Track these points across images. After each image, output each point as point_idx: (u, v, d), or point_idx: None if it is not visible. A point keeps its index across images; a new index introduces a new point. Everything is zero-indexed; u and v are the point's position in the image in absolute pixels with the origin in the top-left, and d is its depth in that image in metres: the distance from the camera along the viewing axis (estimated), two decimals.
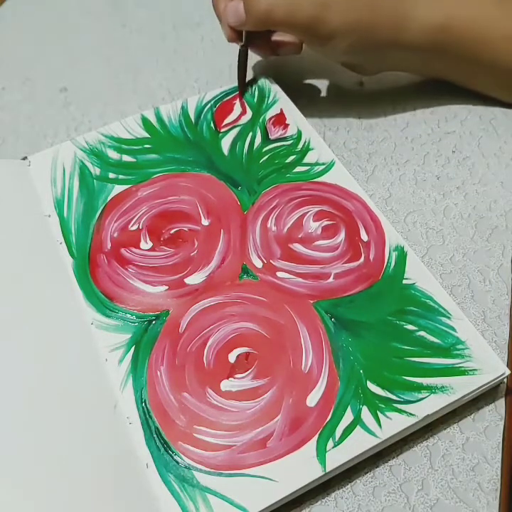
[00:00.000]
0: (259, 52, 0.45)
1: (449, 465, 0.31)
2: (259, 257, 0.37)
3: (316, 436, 0.30)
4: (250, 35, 0.42)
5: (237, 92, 0.46)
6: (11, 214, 0.39)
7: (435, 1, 0.41)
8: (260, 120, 0.44)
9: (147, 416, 0.31)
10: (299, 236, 0.38)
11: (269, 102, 0.45)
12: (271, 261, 0.37)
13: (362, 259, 0.36)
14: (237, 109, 0.45)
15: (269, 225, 0.38)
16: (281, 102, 0.45)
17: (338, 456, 0.29)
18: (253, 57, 0.46)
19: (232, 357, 0.33)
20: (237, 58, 0.44)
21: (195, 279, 0.36)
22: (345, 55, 0.42)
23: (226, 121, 0.44)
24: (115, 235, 0.38)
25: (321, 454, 0.30)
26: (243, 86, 0.45)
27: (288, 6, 0.38)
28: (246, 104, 0.45)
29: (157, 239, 0.38)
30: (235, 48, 0.44)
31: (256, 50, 0.45)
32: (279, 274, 0.36)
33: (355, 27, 0.39)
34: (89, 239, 0.38)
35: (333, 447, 0.30)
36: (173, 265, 0.37)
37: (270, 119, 0.44)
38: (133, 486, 0.29)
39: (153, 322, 0.35)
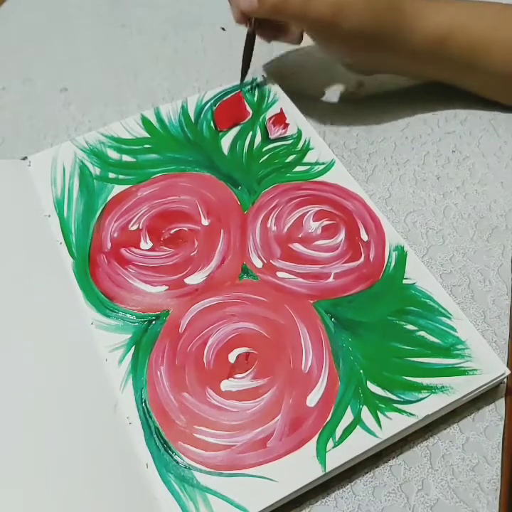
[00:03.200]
0: (261, 35, 0.45)
1: (449, 465, 0.31)
2: (259, 257, 0.37)
3: (316, 436, 0.30)
4: (259, 21, 0.42)
5: (238, 91, 0.45)
6: (11, 214, 0.39)
7: (437, 10, 0.41)
8: (260, 119, 0.44)
9: (147, 416, 0.31)
10: (299, 236, 0.38)
11: (269, 101, 0.45)
12: (271, 261, 0.37)
13: (362, 259, 0.36)
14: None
15: (269, 225, 0.38)
16: (281, 101, 0.45)
17: (338, 456, 0.29)
18: (254, 58, 0.46)
19: (232, 357, 0.33)
20: (237, 58, 0.44)
21: (195, 279, 0.36)
22: (349, 56, 0.43)
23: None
24: (115, 234, 0.38)
25: (321, 454, 0.30)
26: (246, 70, 0.45)
27: (302, 2, 0.38)
28: (246, 103, 0.45)
29: (157, 239, 0.38)
30: (235, 48, 0.44)
31: (259, 33, 0.44)
32: (279, 274, 0.36)
33: (364, 31, 0.39)
34: (89, 239, 0.38)
35: (333, 447, 0.30)
36: (173, 265, 0.37)
37: (270, 118, 0.44)
38: (133, 486, 0.29)
39: (153, 322, 0.35)
